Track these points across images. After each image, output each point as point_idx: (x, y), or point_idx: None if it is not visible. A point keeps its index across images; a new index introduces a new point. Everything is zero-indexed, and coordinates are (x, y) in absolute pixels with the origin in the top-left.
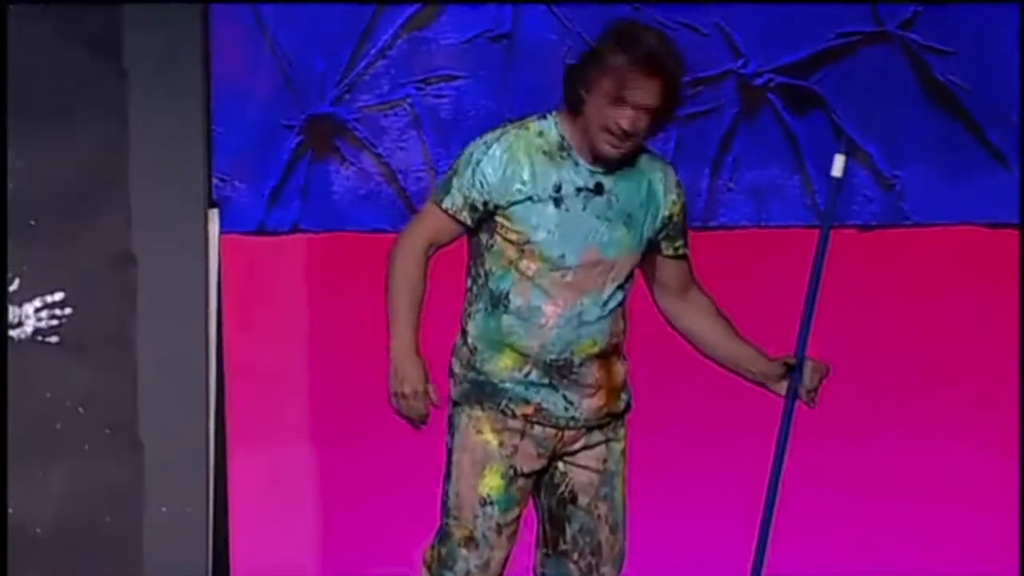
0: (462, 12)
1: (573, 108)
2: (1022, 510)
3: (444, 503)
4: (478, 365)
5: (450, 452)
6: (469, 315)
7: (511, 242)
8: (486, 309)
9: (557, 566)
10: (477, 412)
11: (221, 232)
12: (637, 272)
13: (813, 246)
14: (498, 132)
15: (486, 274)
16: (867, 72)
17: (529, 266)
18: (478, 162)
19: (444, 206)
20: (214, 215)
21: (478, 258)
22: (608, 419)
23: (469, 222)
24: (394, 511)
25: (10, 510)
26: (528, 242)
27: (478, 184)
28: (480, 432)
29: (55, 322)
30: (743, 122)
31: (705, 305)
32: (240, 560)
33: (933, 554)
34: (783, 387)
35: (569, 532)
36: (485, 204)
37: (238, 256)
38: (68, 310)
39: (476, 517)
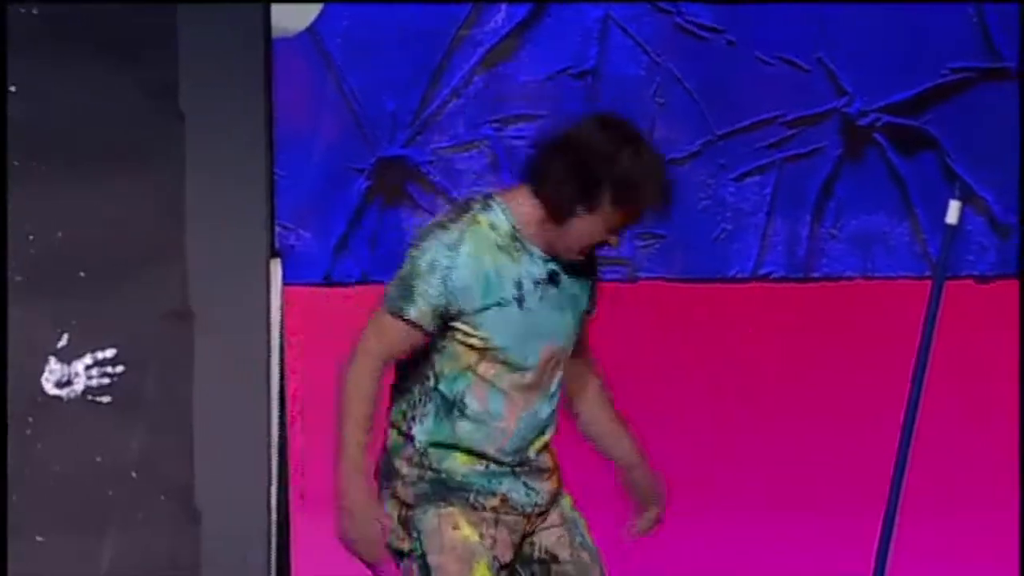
0: (542, 47)
1: (559, 215)
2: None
3: None
4: (434, 465)
5: (422, 558)
6: (413, 417)
7: (470, 347)
8: (436, 414)
9: None
10: (446, 508)
11: (284, 284)
12: None
13: (923, 298)
14: (453, 231)
15: (435, 376)
16: (982, 111)
17: (488, 369)
18: (447, 268)
19: (408, 316)
20: (277, 266)
21: (423, 360)
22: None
23: (433, 330)
24: None
25: None
26: (490, 348)
27: (449, 292)
28: (457, 528)
29: (106, 380)
30: (847, 164)
31: (593, 379)
32: None
33: None
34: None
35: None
36: (451, 312)
37: (303, 309)
38: (120, 368)
39: None
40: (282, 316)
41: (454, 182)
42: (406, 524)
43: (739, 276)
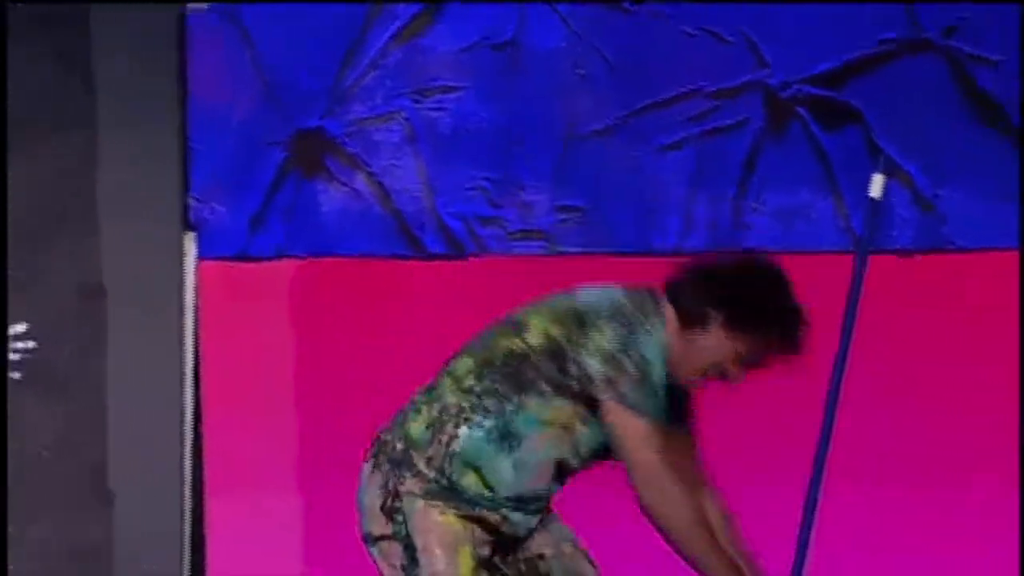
0: (461, 18)
1: (689, 320)
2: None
3: None
4: (451, 475)
5: (406, 539)
6: (466, 420)
7: (573, 418)
8: (489, 432)
9: None
10: (438, 502)
11: (199, 258)
12: None
13: (846, 273)
14: (647, 332)
15: (518, 405)
16: (906, 83)
17: (562, 440)
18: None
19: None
20: (191, 240)
21: (516, 383)
22: None
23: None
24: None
25: None
26: (584, 437)
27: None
28: (444, 514)
29: (17, 356)
30: (769, 138)
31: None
32: None
33: None
34: None
35: (548, 563)
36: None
37: (217, 284)
38: (31, 343)
39: None
40: (196, 290)
41: (371, 155)
42: (390, 512)
43: (661, 250)
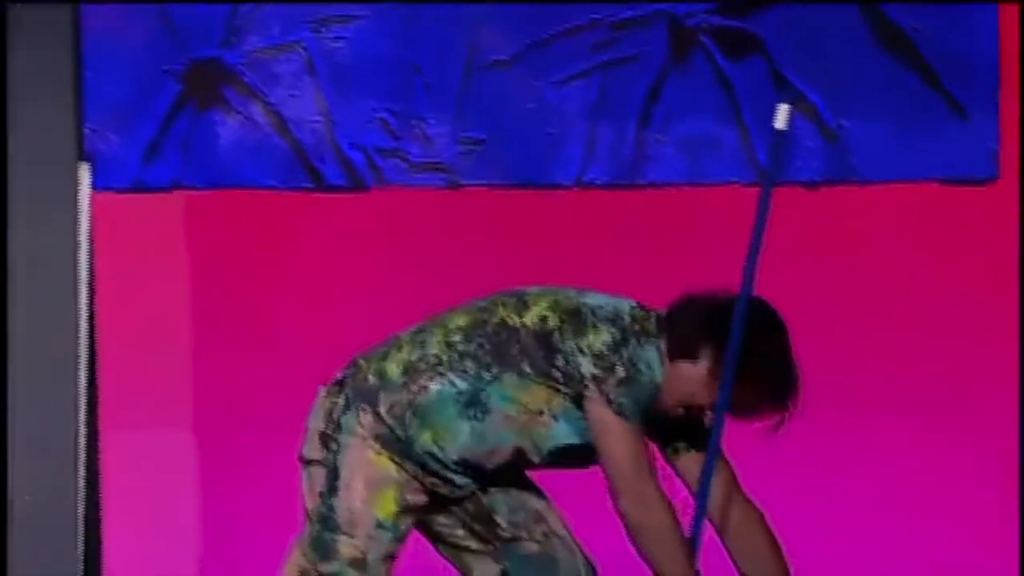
0: None
1: (674, 351)
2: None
3: (326, 516)
4: (408, 430)
5: (333, 470)
6: (439, 373)
7: (542, 410)
8: (458, 395)
9: (512, 554)
10: (377, 445)
11: (93, 189)
12: None
13: (752, 206)
14: (644, 344)
15: (495, 377)
16: (811, 12)
17: (529, 425)
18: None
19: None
20: (85, 170)
21: (506, 362)
22: None
23: None
24: (280, 508)
25: None
26: (554, 431)
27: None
28: (379, 454)
29: None
30: (673, 69)
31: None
32: (113, 555)
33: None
34: None
35: (503, 519)
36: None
37: (112, 216)
38: None
39: (371, 539)
40: (91, 223)
41: (269, 85)
42: (326, 439)
43: (563, 183)
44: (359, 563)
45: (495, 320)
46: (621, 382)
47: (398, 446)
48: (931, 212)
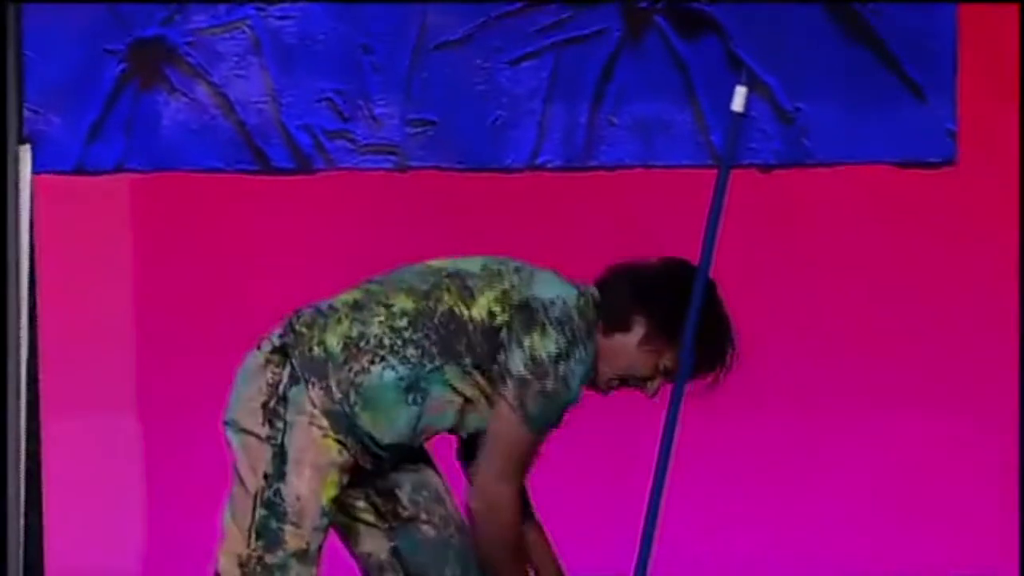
0: None
1: (609, 322)
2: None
3: (272, 503)
4: (354, 407)
5: (280, 448)
6: (380, 358)
7: (477, 394)
8: (399, 380)
9: (407, 535)
10: (327, 424)
11: (34, 172)
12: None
13: (706, 189)
14: (584, 353)
15: (436, 364)
16: None
17: (468, 413)
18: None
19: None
20: (26, 153)
21: (449, 354)
22: None
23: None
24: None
25: None
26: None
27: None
28: (325, 435)
29: None
30: (627, 49)
31: None
32: (55, 543)
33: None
34: None
35: (405, 497)
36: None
37: (53, 199)
38: None
39: (315, 530)
40: (31, 206)
41: (214, 65)
42: (272, 414)
43: (515, 165)
44: (302, 554)
45: (442, 308)
46: (545, 394)
47: (345, 422)
48: (888, 195)
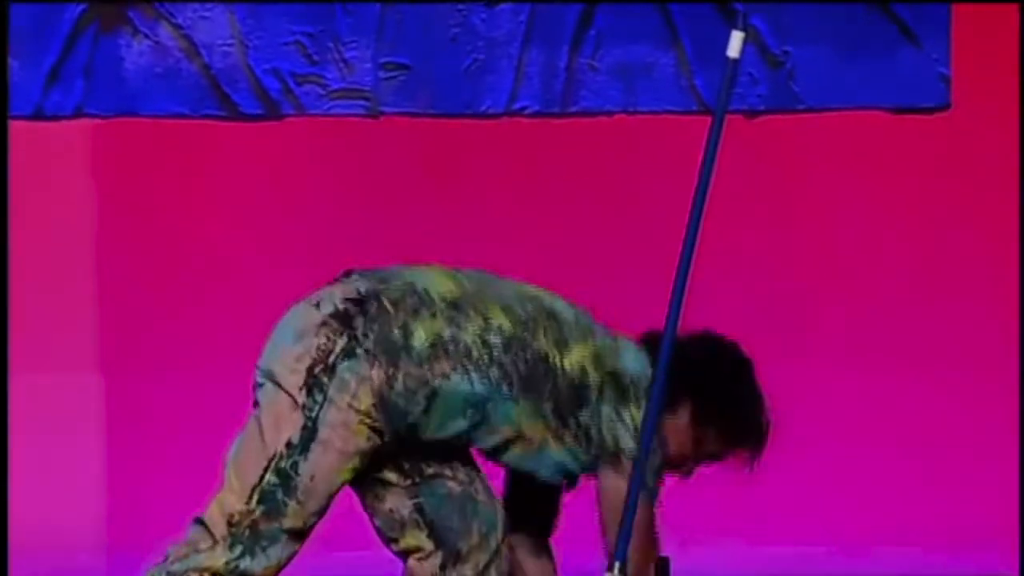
0: None
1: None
2: None
3: (286, 473)
4: (414, 407)
5: (312, 421)
6: (461, 366)
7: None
8: (471, 394)
9: (431, 491)
10: (363, 409)
11: None
12: None
13: (689, 134)
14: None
15: (511, 398)
16: None
17: (513, 452)
18: None
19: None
20: None
21: (529, 393)
22: None
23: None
24: (188, 453)
25: None
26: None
27: None
28: (361, 422)
29: None
30: None
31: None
32: (17, 502)
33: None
34: None
35: (431, 455)
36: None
37: (11, 145)
38: None
39: (316, 512)
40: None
41: (178, 6)
42: (314, 383)
43: (491, 111)
44: (296, 533)
45: (537, 346)
46: (655, 469)
47: (393, 413)
48: (880, 142)
